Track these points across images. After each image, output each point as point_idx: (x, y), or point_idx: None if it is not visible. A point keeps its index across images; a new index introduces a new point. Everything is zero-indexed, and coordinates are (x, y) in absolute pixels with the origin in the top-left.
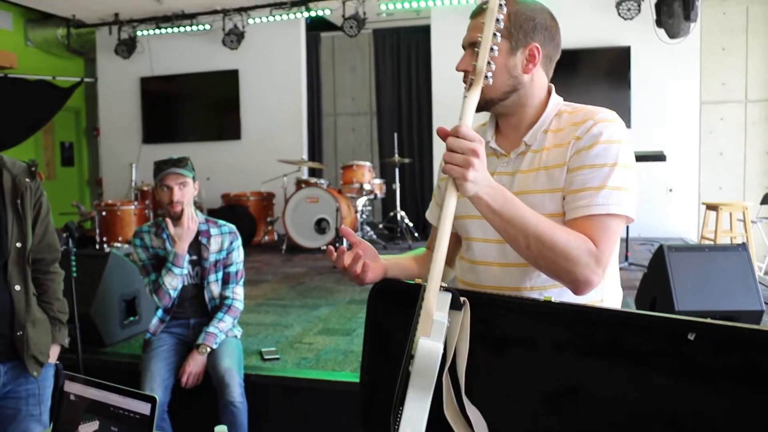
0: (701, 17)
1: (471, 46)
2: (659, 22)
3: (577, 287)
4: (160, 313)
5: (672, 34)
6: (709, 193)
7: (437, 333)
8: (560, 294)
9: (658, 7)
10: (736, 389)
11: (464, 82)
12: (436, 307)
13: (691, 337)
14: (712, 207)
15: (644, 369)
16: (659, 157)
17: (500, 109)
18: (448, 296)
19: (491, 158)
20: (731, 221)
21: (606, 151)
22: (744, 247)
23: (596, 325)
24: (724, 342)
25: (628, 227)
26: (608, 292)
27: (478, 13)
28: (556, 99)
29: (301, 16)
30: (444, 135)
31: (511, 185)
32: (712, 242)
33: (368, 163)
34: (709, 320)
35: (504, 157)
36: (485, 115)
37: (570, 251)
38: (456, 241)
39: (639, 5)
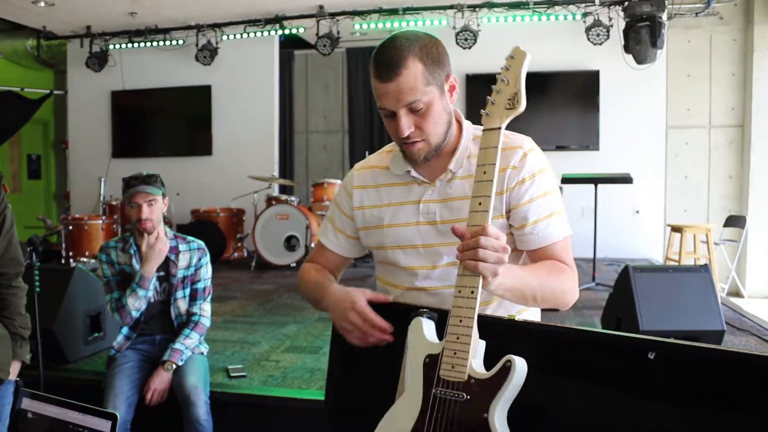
0: (667, 45)
1: (405, 107)
2: (627, 48)
3: (566, 307)
4: (125, 330)
5: (639, 60)
6: (674, 215)
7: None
8: (497, 308)
9: (626, 33)
10: (695, 407)
11: (404, 147)
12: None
13: (651, 356)
14: (676, 229)
15: (607, 387)
16: (626, 179)
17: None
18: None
19: (413, 186)
20: (695, 243)
21: (542, 180)
22: (707, 268)
23: (561, 344)
24: (682, 361)
25: (595, 248)
26: None
27: (391, 77)
28: (466, 123)
29: (274, 33)
30: (461, 234)
31: (441, 213)
32: (676, 263)
33: (339, 181)
34: (668, 340)
35: (427, 185)
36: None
37: (565, 290)
38: (342, 261)
39: (608, 31)
